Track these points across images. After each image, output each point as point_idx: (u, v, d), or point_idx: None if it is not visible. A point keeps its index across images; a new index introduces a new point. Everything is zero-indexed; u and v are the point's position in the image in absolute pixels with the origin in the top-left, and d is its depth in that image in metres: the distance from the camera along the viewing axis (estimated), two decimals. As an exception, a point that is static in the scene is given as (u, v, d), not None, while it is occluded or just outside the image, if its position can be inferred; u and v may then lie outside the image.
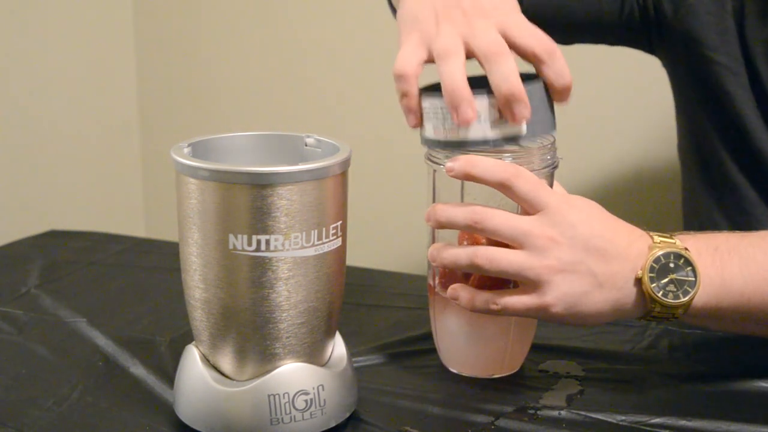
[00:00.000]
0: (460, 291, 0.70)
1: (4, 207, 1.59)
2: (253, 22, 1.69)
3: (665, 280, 0.68)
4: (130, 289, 0.99)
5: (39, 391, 0.74)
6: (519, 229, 0.67)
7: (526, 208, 0.68)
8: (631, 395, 0.74)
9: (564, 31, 1.00)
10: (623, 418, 0.69)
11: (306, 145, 0.72)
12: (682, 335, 0.85)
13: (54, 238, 1.18)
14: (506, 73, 0.65)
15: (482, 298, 0.69)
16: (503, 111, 0.65)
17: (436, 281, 0.75)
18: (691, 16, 0.94)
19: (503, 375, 0.77)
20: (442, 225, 0.69)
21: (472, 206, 0.68)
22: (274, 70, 1.70)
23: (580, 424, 0.69)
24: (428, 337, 0.82)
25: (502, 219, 0.67)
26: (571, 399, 0.73)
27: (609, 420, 0.69)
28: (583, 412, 0.70)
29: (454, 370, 0.77)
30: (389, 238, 1.61)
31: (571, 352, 0.81)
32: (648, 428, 0.68)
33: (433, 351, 0.79)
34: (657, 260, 0.68)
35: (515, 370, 0.77)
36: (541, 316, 0.69)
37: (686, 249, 0.69)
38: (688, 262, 0.68)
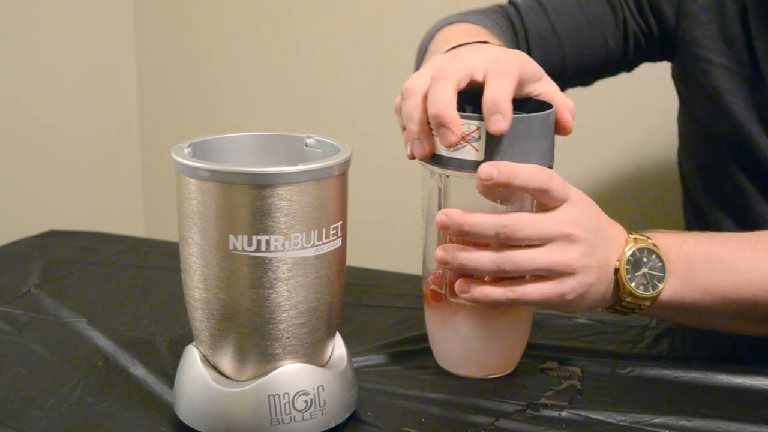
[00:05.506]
0: (474, 286, 0.70)
1: (4, 207, 1.59)
2: (253, 22, 1.69)
3: (639, 273, 0.72)
4: (130, 289, 0.99)
5: (39, 391, 0.74)
6: (547, 231, 0.68)
7: (553, 204, 0.68)
8: (631, 395, 0.74)
9: (583, 77, 1.04)
10: (623, 418, 0.69)
11: (306, 146, 0.72)
12: (683, 335, 0.85)
13: (54, 238, 1.18)
14: (497, 91, 0.65)
15: (499, 289, 0.69)
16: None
17: (445, 287, 0.74)
18: (694, 25, 0.95)
19: (503, 374, 0.77)
20: (465, 233, 0.68)
21: (501, 215, 0.67)
22: (275, 70, 1.70)
23: (580, 424, 0.69)
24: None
25: (531, 224, 0.67)
26: (571, 399, 0.73)
27: (609, 420, 0.69)
28: (583, 412, 0.70)
29: (454, 372, 0.77)
30: (389, 238, 1.61)
31: (571, 352, 0.81)
32: (648, 428, 0.68)
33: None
34: (633, 254, 0.71)
35: (513, 368, 0.77)
36: (551, 304, 0.70)
37: (655, 245, 0.72)
38: (659, 258, 0.72)
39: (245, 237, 0.62)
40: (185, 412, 0.67)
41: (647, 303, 0.72)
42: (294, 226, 0.62)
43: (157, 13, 1.79)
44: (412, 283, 1.01)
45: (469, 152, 0.67)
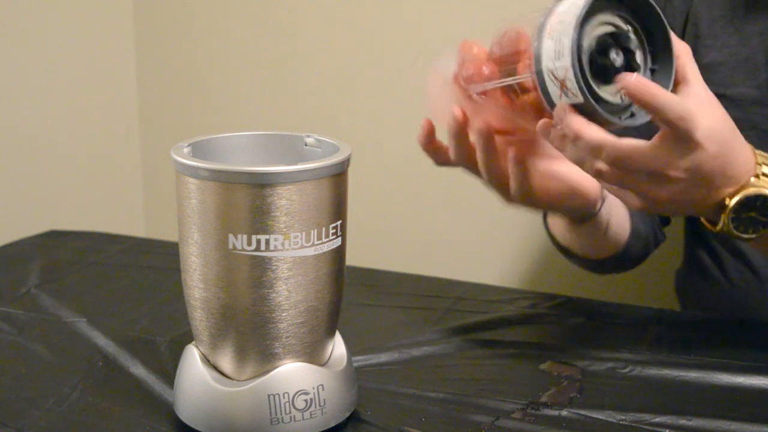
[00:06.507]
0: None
1: (4, 207, 1.58)
2: (253, 22, 1.69)
3: (745, 215, 0.71)
4: (130, 289, 0.99)
5: (39, 391, 0.74)
6: (652, 166, 0.67)
7: (672, 134, 0.66)
8: (631, 395, 0.74)
9: None
10: (623, 417, 0.69)
11: (306, 145, 0.72)
12: (683, 336, 0.85)
13: (54, 238, 1.18)
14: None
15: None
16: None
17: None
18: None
19: None
20: (573, 138, 0.66)
21: (618, 140, 0.66)
22: (274, 70, 1.69)
23: (580, 424, 0.69)
24: (428, 337, 0.82)
25: (640, 158, 0.66)
26: (571, 398, 0.73)
27: (609, 420, 0.69)
28: (583, 412, 0.70)
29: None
30: (389, 238, 1.61)
31: (571, 352, 0.81)
32: (648, 428, 0.68)
33: (433, 350, 0.79)
34: (748, 197, 0.70)
35: None
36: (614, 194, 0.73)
37: None
38: None
39: (245, 236, 0.62)
40: (185, 412, 0.67)
41: (744, 240, 0.73)
42: (294, 226, 0.62)
43: (157, 13, 1.79)
44: (412, 283, 1.01)
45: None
